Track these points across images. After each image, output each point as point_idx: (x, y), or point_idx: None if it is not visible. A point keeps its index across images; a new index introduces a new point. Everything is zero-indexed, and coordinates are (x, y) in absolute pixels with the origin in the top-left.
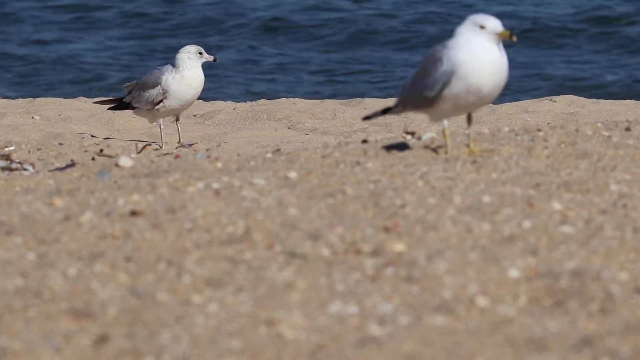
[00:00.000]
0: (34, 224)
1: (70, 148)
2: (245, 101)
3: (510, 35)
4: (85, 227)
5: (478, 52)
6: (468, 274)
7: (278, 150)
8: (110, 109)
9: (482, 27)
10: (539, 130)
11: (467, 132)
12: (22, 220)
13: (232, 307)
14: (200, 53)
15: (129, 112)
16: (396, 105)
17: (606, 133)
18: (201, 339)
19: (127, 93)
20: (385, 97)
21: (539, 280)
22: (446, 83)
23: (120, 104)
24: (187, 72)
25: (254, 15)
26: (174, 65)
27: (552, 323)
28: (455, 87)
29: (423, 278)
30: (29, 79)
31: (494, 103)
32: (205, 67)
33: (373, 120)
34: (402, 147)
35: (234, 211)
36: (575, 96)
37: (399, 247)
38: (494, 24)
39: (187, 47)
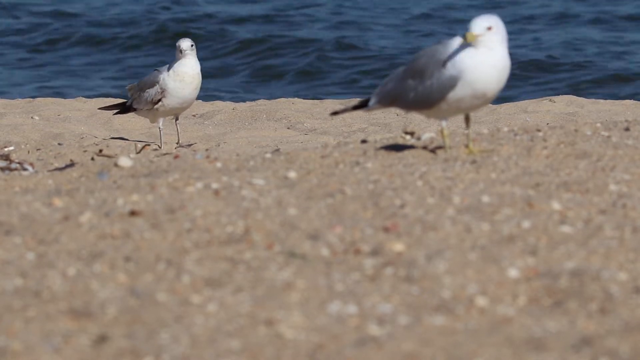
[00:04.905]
0: (33, 224)
1: (69, 148)
2: (245, 101)
3: (465, 37)
4: (85, 227)
5: (483, 58)
6: (467, 274)
7: (277, 150)
8: (116, 114)
9: None
10: (538, 130)
11: (466, 132)
12: (22, 220)
13: (231, 307)
14: (192, 45)
15: None
16: (374, 102)
17: (605, 133)
18: (200, 339)
19: (130, 96)
20: None
21: (538, 280)
22: (451, 88)
23: (124, 108)
24: (180, 68)
25: None
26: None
27: (551, 323)
28: (461, 92)
29: (422, 278)
30: None
31: (493, 103)
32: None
33: (356, 116)
34: (401, 147)
35: (233, 211)
36: (574, 96)
37: (398, 247)
38: (469, 26)
39: (179, 40)
